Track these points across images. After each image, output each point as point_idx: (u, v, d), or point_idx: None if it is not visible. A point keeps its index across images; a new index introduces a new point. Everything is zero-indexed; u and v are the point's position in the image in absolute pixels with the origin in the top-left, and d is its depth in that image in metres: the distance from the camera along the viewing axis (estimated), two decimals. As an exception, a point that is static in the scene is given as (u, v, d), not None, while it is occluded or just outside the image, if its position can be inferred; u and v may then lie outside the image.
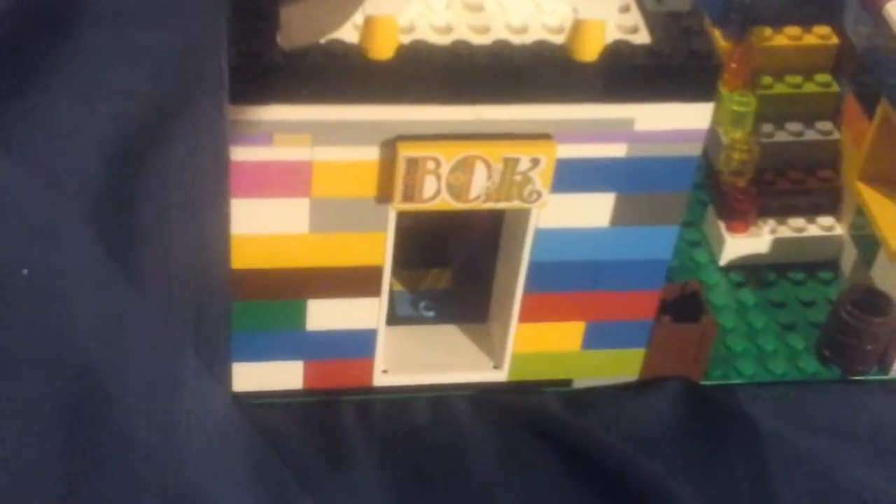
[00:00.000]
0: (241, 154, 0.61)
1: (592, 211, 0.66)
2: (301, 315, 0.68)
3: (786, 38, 0.83)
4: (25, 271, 0.74)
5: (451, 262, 0.78)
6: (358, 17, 0.58)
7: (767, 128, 0.83)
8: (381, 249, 0.66)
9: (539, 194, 0.64)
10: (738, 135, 0.82)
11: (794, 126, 0.83)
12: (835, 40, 0.83)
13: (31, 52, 0.88)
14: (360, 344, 0.70)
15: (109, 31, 0.90)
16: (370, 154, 0.62)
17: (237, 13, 0.52)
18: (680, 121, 0.64)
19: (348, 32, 0.59)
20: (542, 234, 0.67)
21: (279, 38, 0.53)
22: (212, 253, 0.73)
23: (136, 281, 0.75)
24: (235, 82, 0.59)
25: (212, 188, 0.76)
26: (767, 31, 0.83)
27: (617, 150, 0.64)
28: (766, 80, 0.83)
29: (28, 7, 0.89)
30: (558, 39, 0.62)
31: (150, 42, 0.90)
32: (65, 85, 0.87)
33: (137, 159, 0.82)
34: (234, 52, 0.57)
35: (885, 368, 0.76)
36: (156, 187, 0.80)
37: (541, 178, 0.63)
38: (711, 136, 0.80)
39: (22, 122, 0.83)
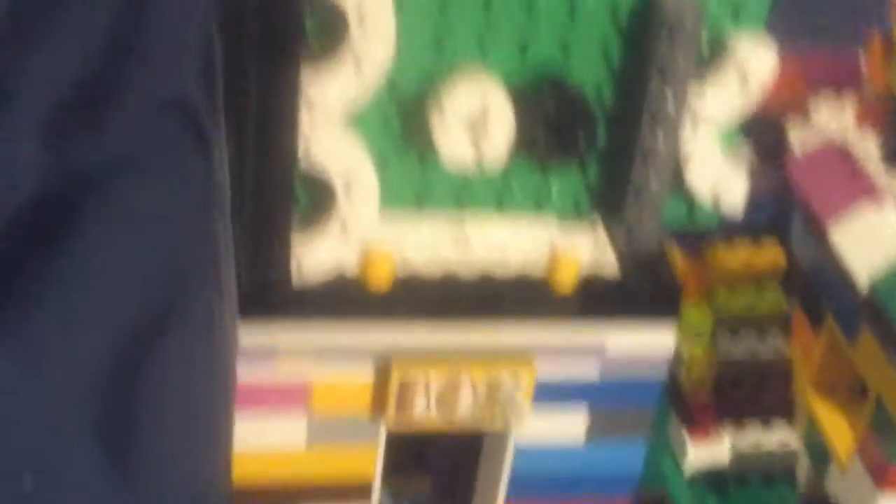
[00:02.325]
0: (245, 374, 0.66)
1: (568, 425, 0.71)
2: (293, 523, 0.72)
3: (738, 255, 0.89)
4: (28, 480, 0.77)
5: (431, 469, 0.82)
6: (358, 248, 0.64)
7: (724, 341, 0.89)
8: (372, 462, 0.70)
9: (520, 410, 0.69)
10: (696, 349, 0.87)
11: (749, 339, 0.89)
12: (783, 259, 0.89)
13: (26, 266, 0.91)
14: (348, 549, 0.74)
15: (104, 239, 0.95)
16: (366, 375, 0.67)
17: (252, 243, 0.57)
18: (647, 344, 0.70)
19: (349, 264, 0.65)
20: (521, 448, 0.71)
21: (292, 272, 0.58)
22: (211, 467, 0.76)
23: (133, 496, 0.77)
24: (244, 307, 0.64)
25: (210, 399, 0.79)
26: (721, 249, 0.89)
27: (590, 370, 0.70)
28: (722, 294, 0.89)
29: (23, 221, 0.94)
30: (537, 271, 0.68)
31: (143, 248, 0.94)
32: (60, 296, 0.91)
33: (132, 371, 0.85)
34: (246, 280, 0.62)
35: (841, 573, 0.80)
36: (152, 398, 0.83)
37: (522, 396, 0.68)
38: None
39: (20, 335, 0.87)
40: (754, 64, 0.56)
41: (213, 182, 0.75)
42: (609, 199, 0.60)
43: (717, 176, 0.59)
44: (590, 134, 0.56)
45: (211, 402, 0.79)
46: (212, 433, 0.77)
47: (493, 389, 0.68)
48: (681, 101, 0.56)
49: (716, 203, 0.60)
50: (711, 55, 0.58)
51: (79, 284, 0.90)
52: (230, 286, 0.63)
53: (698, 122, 0.57)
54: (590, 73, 0.57)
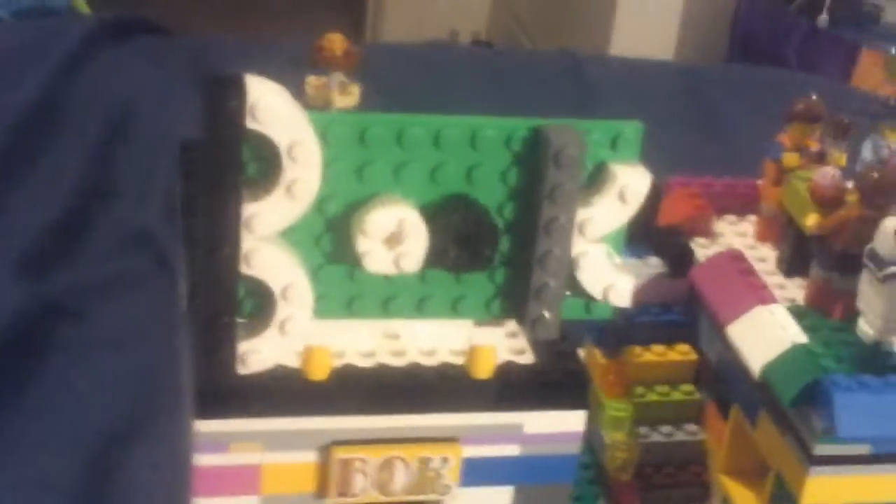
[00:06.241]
0: (201, 460, 0.74)
1: (494, 501, 0.79)
2: None
3: (653, 354, 0.98)
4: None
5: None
6: (298, 346, 0.73)
7: (644, 430, 0.97)
8: (318, 538, 0.78)
9: (449, 487, 0.77)
10: (619, 436, 0.95)
11: (666, 428, 0.97)
12: (693, 356, 0.97)
13: (1, 383, 0.98)
14: None
15: (77, 358, 1.02)
16: (310, 457, 0.75)
17: (201, 347, 0.67)
18: (561, 425, 0.78)
19: (290, 358, 0.74)
20: (453, 522, 0.79)
21: (237, 367, 0.68)
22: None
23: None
24: (199, 402, 0.72)
25: (175, 497, 0.86)
26: (638, 350, 0.98)
27: (511, 450, 0.78)
28: (640, 389, 0.97)
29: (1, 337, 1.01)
30: (460, 360, 0.77)
31: (114, 367, 1.02)
32: (36, 407, 0.98)
33: (103, 475, 0.92)
34: (198, 379, 0.71)
35: None
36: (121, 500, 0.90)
37: (450, 474, 0.77)
38: (597, 437, 0.94)
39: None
40: (630, 185, 0.67)
41: (176, 306, 0.84)
42: (516, 299, 0.70)
43: (605, 276, 0.69)
44: (493, 245, 0.66)
45: (174, 497, 0.85)
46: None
47: (423, 467, 0.76)
48: (569, 215, 0.66)
49: (606, 298, 0.70)
50: (594, 178, 0.68)
51: (51, 402, 0.98)
52: (189, 397, 0.72)
53: (585, 232, 0.67)
54: (491, 193, 0.67)
